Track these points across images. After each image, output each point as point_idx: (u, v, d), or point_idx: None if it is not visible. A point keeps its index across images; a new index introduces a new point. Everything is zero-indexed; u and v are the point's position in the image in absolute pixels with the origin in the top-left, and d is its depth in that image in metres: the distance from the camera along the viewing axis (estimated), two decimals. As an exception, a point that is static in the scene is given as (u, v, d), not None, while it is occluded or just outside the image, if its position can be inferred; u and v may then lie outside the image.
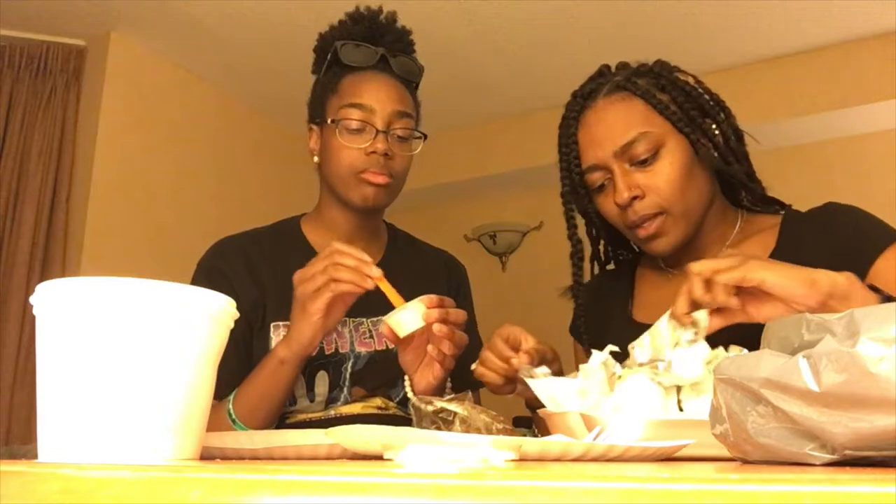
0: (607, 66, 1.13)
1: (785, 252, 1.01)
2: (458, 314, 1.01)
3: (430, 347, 1.02)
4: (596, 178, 1.07)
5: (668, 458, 0.61)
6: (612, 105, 1.06)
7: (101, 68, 2.86)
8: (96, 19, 2.80)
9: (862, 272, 0.96)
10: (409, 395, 1.08)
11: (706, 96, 1.08)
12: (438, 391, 1.08)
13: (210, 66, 3.15)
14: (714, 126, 1.06)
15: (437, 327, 0.97)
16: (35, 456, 0.52)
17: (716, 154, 1.06)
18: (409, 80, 1.23)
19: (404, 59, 1.22)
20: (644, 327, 1.10)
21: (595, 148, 1.05)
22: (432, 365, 1.04)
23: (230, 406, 1.03)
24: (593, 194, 1.09)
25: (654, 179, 1.02)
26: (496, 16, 2.80)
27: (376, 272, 0.98)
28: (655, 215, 1.02)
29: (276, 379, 1.03)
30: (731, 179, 1.09)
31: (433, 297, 0.99)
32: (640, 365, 0.85)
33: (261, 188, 3.36)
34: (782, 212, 1.12)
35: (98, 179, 2.77)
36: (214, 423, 1.00)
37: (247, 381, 1.05)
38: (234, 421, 1.03)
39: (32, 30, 2.81)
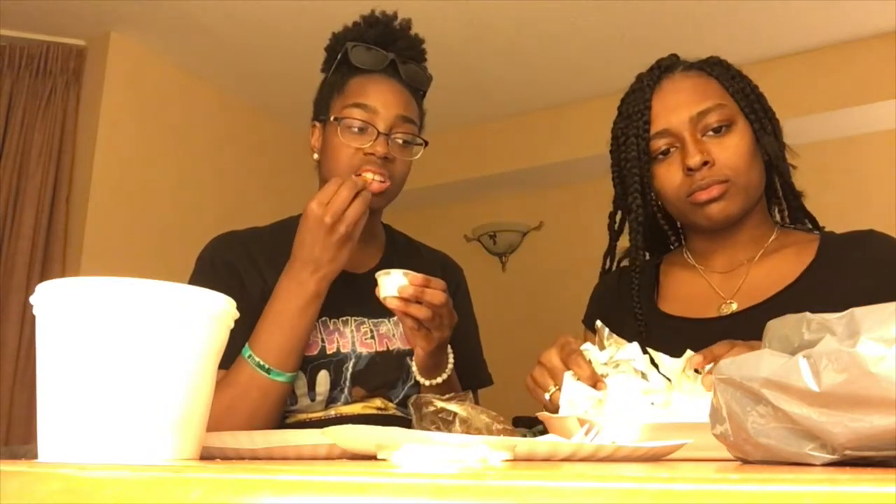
0: (676, 55, 1.18)
1: (822, 268, 1.06)
2: (434, 295, 1.02)
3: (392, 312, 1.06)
4: (661, 144, 1.09)
5: (662, 458, 0.61)
6: (691, 78, 1.11)
7: (101, 68, 2.86)
8: (96, 19, 2.80)
9: None
10: (413, 371, 1.11)
11: (767, 102, 1.15)
12: (433, 367, 1.10)
13: (210, 67, 3.15)
14: (770, 127, 1.12)
15: (390, 299, 1.02)
16: (35, 456, 0.52)
17: (777, 148, 1.11)
18: (417, 87, 1.23)
19: (414, 66, 1.23)
20: (670, 318, 1.11)
21: (669, 113, 1.09)
22: (419, 340, 1.07)
23: (255, 359, 1.02)
24: (652, 162, 1.11)
25: (725, 151, 1.06)
26: (496, 16, 2.80)
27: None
28: (720, 182, 1.06)
29: (310, 314, 1.05)
30: (780, 178, 1.14)
31: (418, 276, 1.02)
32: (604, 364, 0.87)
33: (261, 188, 3.36)
34: (816, 231, 1.16)
35: (98, 179, 2.77)
36: (235, 385, 1.01)
37: (270, 328, 1.04)
38: (268, 371, 1.02)
39: (32, 30, 2.81)
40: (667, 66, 1.14)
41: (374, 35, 1.21)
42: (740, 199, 1.06)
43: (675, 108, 1.08)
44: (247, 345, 1.04)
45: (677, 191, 1.08)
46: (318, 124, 1.23)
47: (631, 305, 1.16)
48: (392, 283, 1.02)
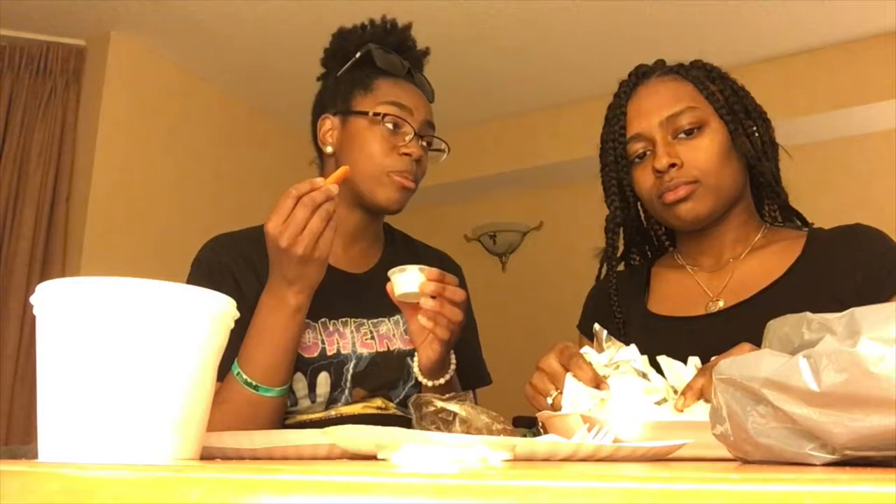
0: (662, 61, 1.20)
1: (809, 264, 1.06)
2: (456, 292, 1.02)
3: (419, 316, 1.04)
4: (637, 147, 1.11)
5: (662, 458, 0.61)
6: (664, 83, 1.13)
7: (101, 68, 2.86)
8: (96, 19, 2.80)
9: (882, 301, 0.99)
10: (415, 372, 1.11)
11: (753, 103, 1.15)
12: (439, 368, 1.09)
13: (210, 66, 3.15)
14: (754, 128, 1.12)
15: (423, 301, 1.00)
16: (35, 456, 0.52)
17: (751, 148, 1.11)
18: (427, 97, 1.26)
19: (423, 77, 1.27)
20: (660, 319, 1.12)
21: (641, 118, 1.11)
22: (433, 341, 1.06)
23: (243, 376, 1.01)
24: (631, 166, 1.14)
25: (694, 152, 1.07)
26: (496, 16, 2.80)
27: (334, 188, 0.97)
28: (688, 183, 1.07)
29: (293, 328, 1.02)
30: (759, 178, 1.13)
31: (434, 270, 1.01)
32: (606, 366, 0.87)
33: (261, 188, 3.36)
34: (805, 228, 1.17)
35: (98, 179, 2.77)
36: (230, 402, 1.00)
37: (254, 345, 1.02)
38: (255, 388, 1.01)
39: (32, 30, 2.81)
40: (643, 72, 1.16)
41: (393, 41, 1.23)
42: (710, 200, 1.08)
43: (647, 112, 1.10)
44: (236, 360, 1.02)
45: (649, 192, 1.11)
46: (333, 117, 1.21)
47: (620, 307, 1.17)
48: (410, 280, 1.00)
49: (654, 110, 1.10)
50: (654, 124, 1.09)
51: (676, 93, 1.11)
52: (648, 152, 1.10)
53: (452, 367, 1.12)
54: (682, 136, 1.08)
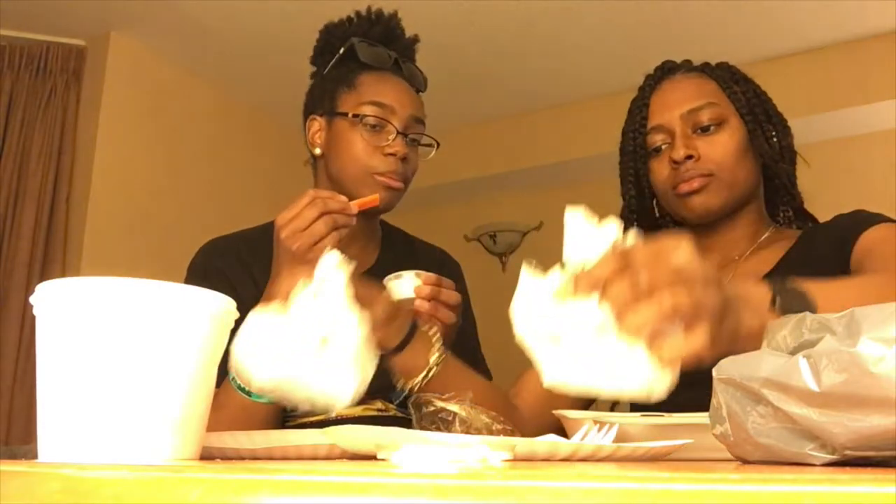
0: (689, 60, 1.22)
1: (797, 253, 1.09)
2: (451, 295, 1.02)
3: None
4: (657, 139, 1.14)
5: (662, 458, 0.61)
6: (689, 79, 1.16)
7: (101, 68, 2.86)
8: (96, 19, 2.80)
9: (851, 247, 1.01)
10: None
11: (774, 108, 1.18)
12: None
13: (210, 66, 3.15)
14: (773, 132, 1.15)
15: (418, 303, 0.99)
16: (35, 456, 0.52)
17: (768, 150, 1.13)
18: (418, 88, 1.24)
19: (413, 66, 1.24)
20: None
21: (664, 110, 1.13)
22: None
23: (237, 381, 0.99)
24: (649, 157, 1.16)
25: (712, 147, 1.10)
26: (497, 16, 2.80)
27: (354, 209, 0.99)
28: (702, 176, 1.09)
29: None
30: (775, 180, 1.16)
31: (431, 275, 1.01)
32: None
33: (260, 188, 3.36)
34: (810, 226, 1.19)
35: (98, 179, 2.77)
36: (226, 407, 0.99)
37: None
38: (248, 393, 0.99)
39: (32, 30, 2.81)
40: (669, 68, 1.19)
41: (378, 33, 1.21)
42: (723, 194, 1.10)
43: (670, 105, 1.13)
44: None
45: (664, 183, 1.13)
46: (320, 118, 1.20)
47: None
48: (406, 286, 1.01)
49: (676, 103, 1.12)
50: (675, 117, 1.11)
51: (699, 89, 1.13)
52: (667, 145, 1.13)
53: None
54: (701, 130, 1.11)
